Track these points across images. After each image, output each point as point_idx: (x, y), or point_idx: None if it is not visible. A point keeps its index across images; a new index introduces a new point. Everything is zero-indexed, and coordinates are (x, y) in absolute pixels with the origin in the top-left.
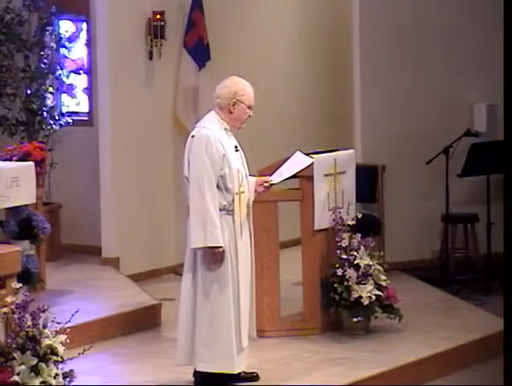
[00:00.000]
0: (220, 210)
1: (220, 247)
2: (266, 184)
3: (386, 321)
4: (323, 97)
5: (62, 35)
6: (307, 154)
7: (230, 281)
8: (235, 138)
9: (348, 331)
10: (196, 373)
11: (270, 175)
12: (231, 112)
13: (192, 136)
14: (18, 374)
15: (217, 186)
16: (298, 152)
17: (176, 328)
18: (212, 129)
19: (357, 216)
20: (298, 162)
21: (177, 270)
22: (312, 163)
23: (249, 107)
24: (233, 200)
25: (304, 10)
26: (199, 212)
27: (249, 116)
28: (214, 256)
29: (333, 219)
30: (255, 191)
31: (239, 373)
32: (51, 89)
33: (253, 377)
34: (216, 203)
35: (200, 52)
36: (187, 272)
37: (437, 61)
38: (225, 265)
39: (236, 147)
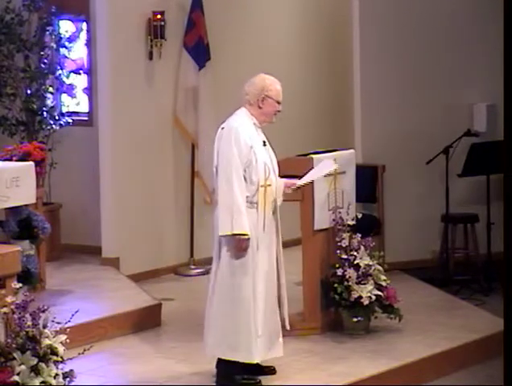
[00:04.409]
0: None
1: (246, 234)
2: (292, 187)
3: (386, 321)
4: (323, 97)
5: (62, 35)
6: (307, 154)
7: (251, 270)
8: (264, 135)
9: (348, 331)
10: (219, 363)
11: (299, 178)
12: (260, 108)
13: (222, 128)
14: (18, 374)
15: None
16: (326, 160)
17: (175, 328)
18: (241, 123)
19: (357, 216)
20: (323, 167)
21: (177, 270)
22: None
23: (278, 102)
24: (256, 192)
25: (304, 10)
26: (226, 201)
27: (279, 110)
28: (239, 244)
29: (333, 219)
30: (283, 192)
31: (260, 368)
32: (51, 89)
33: (271, 370)
34: (243, 192)
35: (200, 52)
36: (214, 261)
37: (437, 61)
38: (247, 254)
39: (264, 142)
